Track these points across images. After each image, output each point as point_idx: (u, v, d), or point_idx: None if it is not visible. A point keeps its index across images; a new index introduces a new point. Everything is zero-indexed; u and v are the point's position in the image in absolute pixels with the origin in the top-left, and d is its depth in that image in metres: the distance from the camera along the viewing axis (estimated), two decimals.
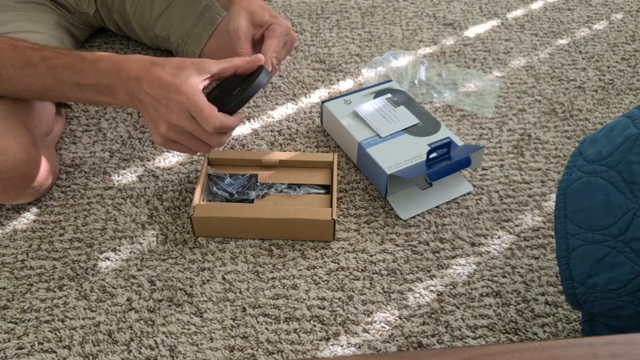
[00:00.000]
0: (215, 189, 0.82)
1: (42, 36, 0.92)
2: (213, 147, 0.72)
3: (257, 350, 0.68)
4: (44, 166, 0.79)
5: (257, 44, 0.83)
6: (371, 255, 0.79)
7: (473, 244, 0.80)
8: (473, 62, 1.12)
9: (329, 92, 1.04)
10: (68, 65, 0.69)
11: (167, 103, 0.66)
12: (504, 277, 0.76)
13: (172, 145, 0.71)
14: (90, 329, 0.70)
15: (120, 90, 0.69)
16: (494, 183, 0.88)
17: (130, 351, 0.68)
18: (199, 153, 0.75)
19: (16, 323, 0.71)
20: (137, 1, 1.00)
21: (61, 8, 1.00)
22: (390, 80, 0.97)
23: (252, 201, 0.81)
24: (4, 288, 0.74)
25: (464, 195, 0.87)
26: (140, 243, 0.79)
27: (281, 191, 0.83)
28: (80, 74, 0.69)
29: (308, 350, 0.68)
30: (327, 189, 0.83)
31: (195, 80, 0.67)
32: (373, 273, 0.76)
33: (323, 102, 0.93)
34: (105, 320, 0.71)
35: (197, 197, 0.79)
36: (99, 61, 0.69)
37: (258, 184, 0.83)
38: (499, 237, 0.81)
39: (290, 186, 0.83)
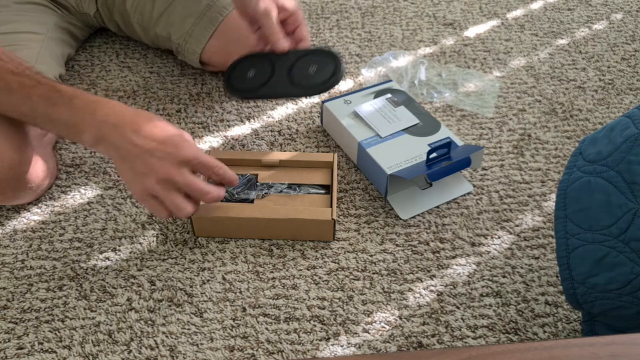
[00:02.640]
0: None
1: (40, 37, 0.92)
2: (197, 207, 0.71)
3: (257, 350, 0.68)
4: (41, 167, 0.79)
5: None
6: (371, 255, 0.79)
7: (473, 244, 0.80)
8: (473, 62, 1.12)
9: (329, 92, 1.04)
10: (44, 97, 0.68)
11: (164, 156, 0.65)
12: (504, 277, 0.76)
13: (150, 202, 0.68)
14: (90, 329, 0.70)
15: (89, 131, 0.67)
16: (494, 183, 0.88)
17: (130, 351, 0.68)
18: (174, 216, 0.72)
19: (16, 323, 0.71)
20: (137, 0, 1.00)
21: (62, 9, 1.00)
22: (390, 80, 0.97)
23: (252, 201, 0.81)
24: (4, 288, 0.74)
25: (464, 195, 0.87)
26: (140, 243, 0.79)
27: (281, 191, 0.82)
28: (54, 107, 0.67)
29: (308, 350, 0.68)
30: (327, 188, 0.83)
31: (187, 135, 0.69)
32: (373, 273, 0.76)
33: (323, 102, 0.93)
34: (105, 320, 0.71)
35: None
36: (74, 98, 0.67)
37: (258, 184, 0.83)
38: (499, 237, 0.81)
39: (290, 186, 0.83)
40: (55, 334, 0.70)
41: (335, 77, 0.81)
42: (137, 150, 0.65)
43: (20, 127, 0.75)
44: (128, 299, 0.73)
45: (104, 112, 0.67)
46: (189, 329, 0.70)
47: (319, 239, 0.80)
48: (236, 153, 0.86)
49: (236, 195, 0.81)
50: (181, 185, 0.67)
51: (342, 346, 0.69)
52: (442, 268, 0.77)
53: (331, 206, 0.78)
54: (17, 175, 0.74)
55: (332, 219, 0.76)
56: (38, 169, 0.78)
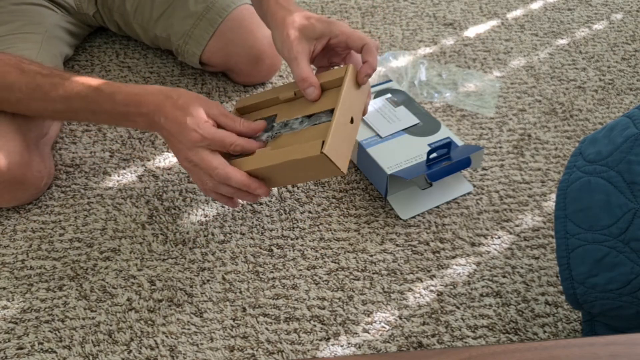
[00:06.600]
0: None
1: (38, 37, 0.91)
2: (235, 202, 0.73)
3: (257, 350, 0.68)
4: (38, 169, 0.79)
5: (321, 57, 0.75)
6: (371, 255, 0.79)
7: (473, 244, 0.80)
8: (473, 62, 1.12)
9: None
10: (82, 96, 0.70)
11: (182, 139, 0.67)
12: (504, 277, 0.76)
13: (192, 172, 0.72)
14: (90, 329, 0.70)
15: (140, 120, 0.70)
16: (494, 183, 0.88)
17: (130, 351, 0.68)
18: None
19: (16, 323, 0.71)
20: (137, 1, 1.00)
21: (60, 9, 1.00)
22: (390, 80, 0.97)
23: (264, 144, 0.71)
24: (4, 288, 0.74)
25: (464, 195, 0.87)
26: (140, 243, 0.79)
27: (293, 127, 0.72)
28: (96, 104, 0.70)
29: (308, 350, 0.68)
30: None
31: (203, 115, 0.67)
32: (373, 273, 0.76)
33: None
34: (105, 320, 0.71)
35: None
36: (115, 94, 0.69)
37: (274, 124, 0.74)
38: (499, 237, 0.81)
39: (303, 120, 0.72)
40: (55, 334, 0.70)
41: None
42: (166, 132, 0.68)
43: (18, 129, 0.75)
44: (128, 299, 0.73)
45: (146, 102, 0.68)
46: (189, 329, 0.70)
47: (328, 176, 0.72)
48: (256, 96, 0.78)
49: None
50: (200, 167, 0.69)
51: (342, 346, 0.69)
52: (442, 268, 0.77)
53: (327, 137, 0.64)
54: (14, 178, 0.74)
55: (322, 152, 0.62)
56: (35, 172, 0.78)
